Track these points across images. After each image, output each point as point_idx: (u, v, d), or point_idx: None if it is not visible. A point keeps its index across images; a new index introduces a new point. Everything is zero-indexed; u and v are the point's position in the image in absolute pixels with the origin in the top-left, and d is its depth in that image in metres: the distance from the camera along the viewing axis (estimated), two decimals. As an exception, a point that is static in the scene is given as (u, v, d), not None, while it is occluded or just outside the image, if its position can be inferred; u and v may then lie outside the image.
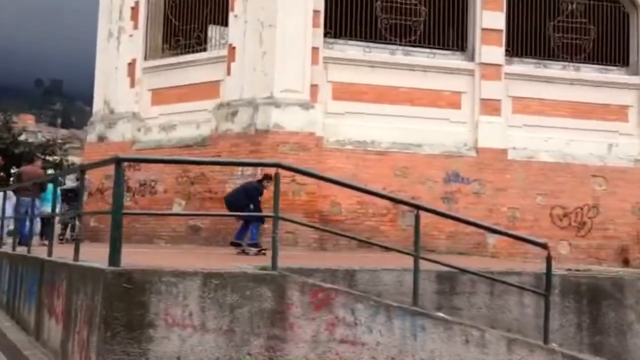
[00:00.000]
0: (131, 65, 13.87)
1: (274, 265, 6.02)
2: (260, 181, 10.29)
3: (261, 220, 9.79)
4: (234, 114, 12.37)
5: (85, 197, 12.38)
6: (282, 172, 6.39)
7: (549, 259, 6.65)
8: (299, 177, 10.80)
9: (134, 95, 13.83)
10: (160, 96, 13.67)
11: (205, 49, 13.32)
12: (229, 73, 12.56)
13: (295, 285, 5.93)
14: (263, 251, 9.42)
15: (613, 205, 13.03)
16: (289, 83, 12.10)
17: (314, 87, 12.24)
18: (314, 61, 12.24)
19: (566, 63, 13.50)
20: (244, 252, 9.68)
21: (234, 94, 12.46)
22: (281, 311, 5.88)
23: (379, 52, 12.69)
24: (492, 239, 12.30)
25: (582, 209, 12.93)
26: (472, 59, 13.01)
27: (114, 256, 5.66)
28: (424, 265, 6.57)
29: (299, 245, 11.33)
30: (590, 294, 7.47)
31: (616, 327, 7.42)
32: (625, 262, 12.52)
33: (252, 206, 10.00)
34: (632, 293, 7.54)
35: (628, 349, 7.41)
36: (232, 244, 10.00)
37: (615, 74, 13.65)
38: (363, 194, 11.41)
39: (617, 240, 12.83)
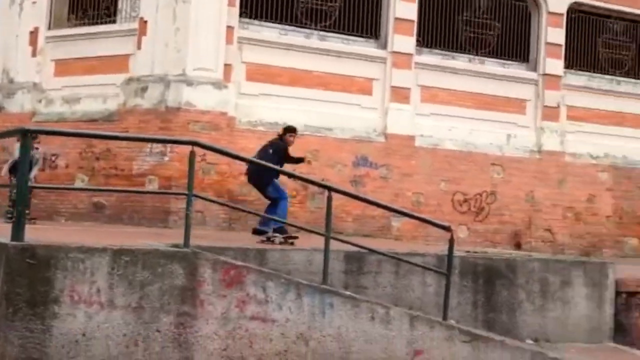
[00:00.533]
0: (33, 33, 13.18)
1: (186, 243, 6.01)
2: (281, 136, 8.72)
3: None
4: (144, 89, 12.06)
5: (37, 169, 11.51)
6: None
7: (451, 241, 7.01)
8: (210, 156, 10.73)
9: (35, 64, 13.17)
10: (64, 67, 13.08)
11: (114, 21, 12.85)
12: (139, 47, 12.20)
13: (207, 263, 5.96)
14: (291, 240, 7.95)
15: (509, 193, 13.80)
16: (202, 61, 11.91)
17: (227, 67, 12.12)
18: (229, 40, 12.11)
19: (472, 56, 14.06)
20: (268, 240, 7.99)
21: (144, 69, 12.13)
22: (192, 288, 5.90)
23: (295, 36, 12.72)
24: (396, 222, 12.74)
25: (481, 195, 13.60)
26: (384, 47, 13.31)
27: (18, 231, 5.47)
28: (332, 245, 6.76)
29: (207, 224, 11.27)
30: (486, 274, 7.93)
31: (508, 304, 7.93)
32: (518, 246, 13.32)
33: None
34: (523, 274, 8.06)
35: (517, 325, 7.94)
36: (255, 231, 8.48)
37: (516, 69, 14.39)
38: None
39: (511, 225, 13.62)
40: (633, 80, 15.43)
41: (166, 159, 11.56)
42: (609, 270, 8.67)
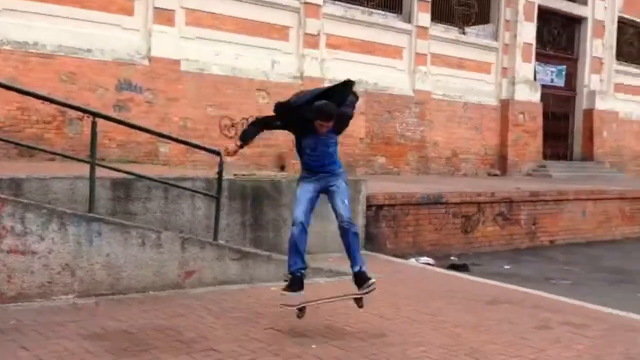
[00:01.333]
0: None
1: None
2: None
3: None
4: None
5: None
6: None
7: (220, 165, 7.14)
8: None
9: None
10: None
11: None
12: None
13: (-47, 196, 5.36)
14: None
15: (273, 117, 14.31)
16: None
17: (-39, -26, 10.62)
18: (-39, -58, 10.56)
19: (236, -20, 14.02)
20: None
21: None
22: None
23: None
24: (164, 147, 12.56)
25: (247, 120, 13.89)
26: (145, -36, 12.66)
27: None
28: (97, 172, 6.49)
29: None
30: (253, 195, 8.24)
31: (274, 223, 8.37)
32: (282, 168, 14.01)
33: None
34: (288, 194, 8.52)
35: (282, 240, 8.43)
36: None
37: (278, -5, 14.70)
38: (23, 100, 10.55)
39: (275, 149, 14.22)
40: (382, 12, 16.73)
41: None
42: (362, 186, 9.55)
